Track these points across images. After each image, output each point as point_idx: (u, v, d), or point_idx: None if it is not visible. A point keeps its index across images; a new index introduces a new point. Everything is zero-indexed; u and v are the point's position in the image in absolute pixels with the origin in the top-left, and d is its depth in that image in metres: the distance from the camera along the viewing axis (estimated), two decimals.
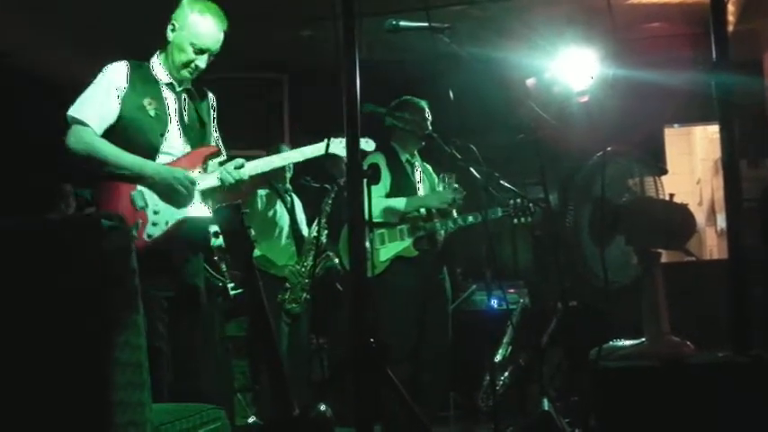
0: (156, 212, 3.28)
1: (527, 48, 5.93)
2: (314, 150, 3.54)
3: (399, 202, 4.52)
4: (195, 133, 3.48)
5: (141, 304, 2.19)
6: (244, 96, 7.04)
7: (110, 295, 2.08)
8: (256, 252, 4.93)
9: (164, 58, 3.43)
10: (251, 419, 4.90)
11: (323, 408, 3.01)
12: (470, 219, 4.51)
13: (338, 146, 3.46)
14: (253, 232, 4.86)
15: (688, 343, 2.96)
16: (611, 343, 3.11)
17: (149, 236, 3.24)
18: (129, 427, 2.05)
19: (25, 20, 5.73)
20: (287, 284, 5.03)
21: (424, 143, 4.62)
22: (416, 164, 4.74)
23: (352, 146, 2.53)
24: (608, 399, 2.79)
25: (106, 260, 2.06)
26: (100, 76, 3.33)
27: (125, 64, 3.36)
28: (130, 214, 3.21)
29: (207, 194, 3.43)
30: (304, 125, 4.84)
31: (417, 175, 4.70)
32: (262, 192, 5.19)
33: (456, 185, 4.52)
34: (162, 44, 3.44)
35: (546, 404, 3.97)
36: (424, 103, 4.68)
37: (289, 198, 5.27)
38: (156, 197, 3.29)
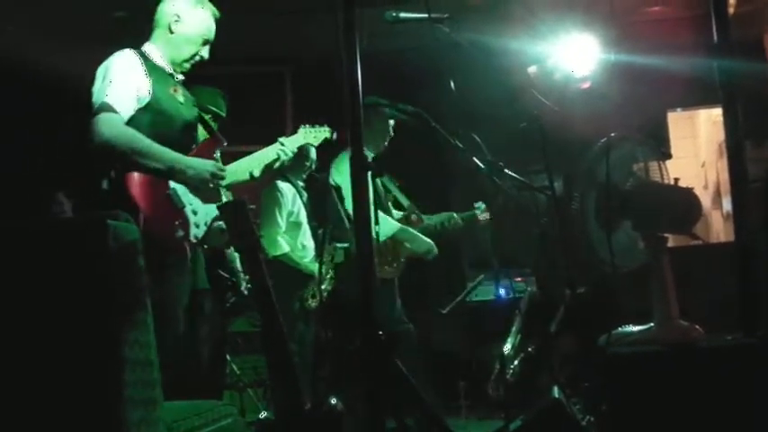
0: (195, 212, 3.10)
1: (528, 35, 5.91)
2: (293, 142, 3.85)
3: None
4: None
5: (149, 302, 2.19)
6: (245, 91, 7.01)
7: (117, 294, 2.08)
8: (282, 250, 4.95)
9: (165, 50, 3.22)
10: (262, 415, 4.90)
11: (334, 401, 3.01)
12: None
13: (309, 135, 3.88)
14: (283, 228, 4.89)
15: (697, 327, 2.95)
16: (620, 329, 3.10)
17: (196, 237, 3.10)
18: (141, 424, 2.06)
19: None
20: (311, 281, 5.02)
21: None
22: None
23: (355, 139, 2.52)
24: (618, 384, 2.79)
25: (112, 259, 2.07)
26: (114, 63, 3.06)
27: (132, 51, 3.12)
28: (171, 213, 3.03)
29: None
30: (308, 118, 4.83)
31: None
32: (285, 187, 5.15)
33: None
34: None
35: (556, 392, 3.97)
36: None
37: (305, 194, 5.25)
38: (189, 195, 3.10)
